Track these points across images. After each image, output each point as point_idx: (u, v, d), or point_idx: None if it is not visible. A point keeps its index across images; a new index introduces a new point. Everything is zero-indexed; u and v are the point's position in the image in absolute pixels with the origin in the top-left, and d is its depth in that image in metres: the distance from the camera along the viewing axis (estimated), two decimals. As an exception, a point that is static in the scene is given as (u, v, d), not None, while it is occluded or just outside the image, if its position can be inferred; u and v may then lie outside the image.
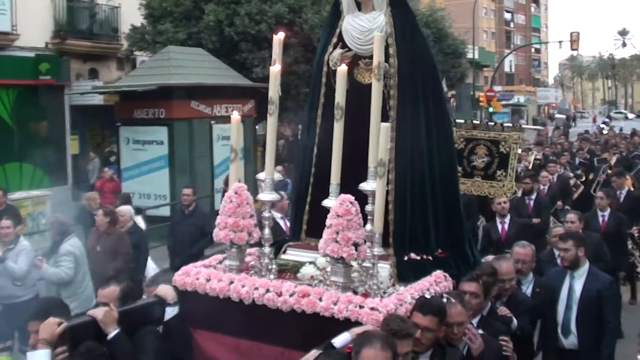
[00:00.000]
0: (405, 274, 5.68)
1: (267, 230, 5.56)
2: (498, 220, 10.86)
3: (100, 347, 4.81)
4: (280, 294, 5.14)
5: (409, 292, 5.18)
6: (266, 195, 5.55)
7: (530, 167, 17.40)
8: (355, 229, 4.98)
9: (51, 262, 9.71)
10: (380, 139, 5.17)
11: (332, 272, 5.12)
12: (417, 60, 6.11)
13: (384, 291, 5.38)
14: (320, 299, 5.02)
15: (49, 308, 4.86)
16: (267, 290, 5.20)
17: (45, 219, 15.83)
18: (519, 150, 9.23)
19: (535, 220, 12.31)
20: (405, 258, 5.83)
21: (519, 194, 12.60)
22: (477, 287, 5.76)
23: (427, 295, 5.11)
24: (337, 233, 4.98)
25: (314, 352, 4.25)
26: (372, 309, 4.86)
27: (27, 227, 14.38)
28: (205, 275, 5.46)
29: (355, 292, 5.22)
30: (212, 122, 19.52)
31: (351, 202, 5.00)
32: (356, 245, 4.99)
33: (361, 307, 4.89)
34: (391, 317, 4.65)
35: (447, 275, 5.70)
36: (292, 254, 6.16)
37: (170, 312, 5.35)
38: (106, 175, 19.16)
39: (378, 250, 5.19)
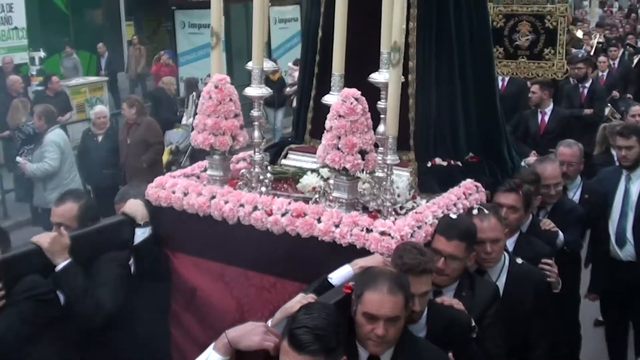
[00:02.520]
0: (429, 183, 4.64)
1: (257, 133, 4.52)
2: (539, 109, 9.57)
3: (46, 283, 3.91)
4: (270, 213, 4.15)
5: (431, 210, 4.14)
6: (255, 90, 4.48)
7: (592, 51, 15.69)
8: (362, 132, 3.93)
9: (37, 152, 9.39)
10: (395, 16, 4.02)
11: (335, 186, 4.10)
12: None
13: (401, 206, 4.38)
14: (319, 220, 4.02)
15: None
16: (255, 208, 4.21)
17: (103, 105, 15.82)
18: (581, 33, 7.96)
19: (587, 111, 10.97)
20: (429, 164, 4.77)
21: (572, 81, 11.26)
22: (517, 199, 4.72)
23: (453, 215, 4.06)
24: (339, 138, 3.93)
25: (300, 298, 3.27)
26: (383, 233, 3.86)
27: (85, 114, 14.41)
28: (183, 188, 4.48)
29: (366, 209, 4.23)
30: (269, 4, 18.30)
31: (356, 99, 3.92)
32: (363, 152, 3.94)
33: (369, 230, 3.90)
34: (406, 246, 3.65)
35: (479, 185, 4.64)
36: (293, 159, 5.14)
37: (141, 235, 4.42)
38: (162, 60, 18.93)
39: (392, 158, 4.13)
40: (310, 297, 3.25)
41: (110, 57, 20.34)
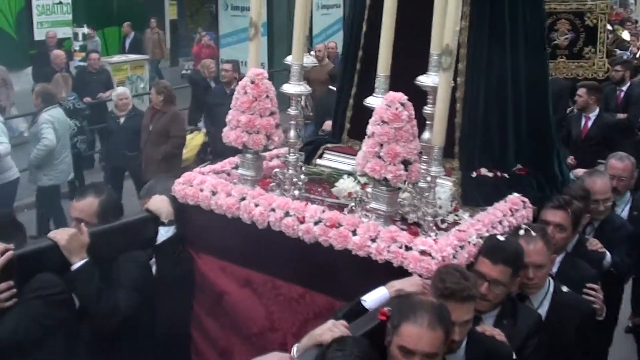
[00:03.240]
0: (472, 195, 4.35)
1: (293, 132, 4.25)
2: (583, 113, 9.16)
3: (59, 283, 3.68)
4: (302, 220, 3.89)
5: (475, 228, 3.85)
6: (293, 87, 4.20)
7: (638, 54, 14.99)
8: (407, 140, 3.64)
9: (32, 130, 9.40)
10: (448, 17, 3.72)
11: (373, 196, 3.82)
12: None
13: (442, 219, 4.10)
14: (355, 232, 3.75)
15: None
16: (287, 214, 3.95)
17: (143, 83, 16.34)
18: (627, 34, 7.53)
19: (620, 116, 10.51)
20: (474, 174, 4.48)
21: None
22: (565, 217, 4.40)
23: (500, 236, 3.76)
24: (381, 146, 3.64)
25: (331, 325, 3.00)
26: (423, 252, 3.57)
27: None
28: (211, 187, 4.22)
29: (404, 219, 3.96)
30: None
31: (402, 104, 3.63)
32: (406, 163, 3.66)
33: (408, 248, 3.61)
34: (448, 269, 3.36)
35: (526, 200, 4.34)
36: (329, 159, 4.87)
37: (164, 233, 4.18)
38: (203, 41, 18.90)
39: (437, 169, 3.84)
40: (342, 325, 2.98)
41: (137, 37, 20.09)
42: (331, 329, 2.90)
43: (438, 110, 3.78)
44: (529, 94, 4.67)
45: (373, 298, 3.38)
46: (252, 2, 4.25)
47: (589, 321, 4.09)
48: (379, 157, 3.65)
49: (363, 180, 4.06)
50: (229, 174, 4.52)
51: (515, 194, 4.34)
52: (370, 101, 3.94)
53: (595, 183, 5.08)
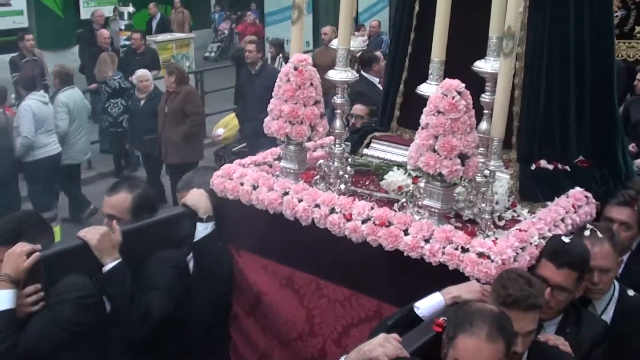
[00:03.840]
0: (531, 189, 4.04)
1: (339, 122, 3.97)
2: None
3: (90, 286, 3.46)
4: (349, 218, 3.62)
5: (536, 227, 3.54)
6: (339, 73, 3.92)
7: None
8: (464, 132, 3.34)
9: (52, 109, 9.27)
10: (511, -4, 3.40)
11: (426, 192, 3.53)
12: None
13: (500, 215, 3.81)
14: (406, 232, 3.47)
15: (19, 228, 3.45)
16: (332, 210, 3.68)
17: (189, 62, 16.03)
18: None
19: None
20: (533, 166, 4.16)
21: None
22: (631, 214, 4.07)
23: (565, 238, 3.45)
24: (436, 138, 3.35)
25: (382, 340, 2.71)
26: (481, 255, 3.28)
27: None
28: (252, 180, 3.97)
29: (459, 216, 3.67)
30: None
31: (459, 92, 3.33)
32: (464, 157, 3.36)
33: (465, 250, 3.33)
34: (511, 274, 3.07)
35: (589, 195, 4.01)
36: (377, 149, 4.58)
37: (202, 230, 3.95)
38: (248, 19, 18.76)
39: (496, 163, 3.54)
40: (395, 340, 2.71)
41: (163, 18, 19.68)
42: (382, 344, 2.63)
43: (498, 98, 3.47)
44: (594, 80, 4.33)
45: (427, 305, 3.11)
46: (295, -17, 3.97)
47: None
48: (434, 150, 3.36)
49: (414, 173, 3.77)
50: (270, 166, 4.26)
51: (578, 189, 4.02)
52: (423, 89, 3.66)
53: (662, 175, 4.73)
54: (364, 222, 3.57)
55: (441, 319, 2.94)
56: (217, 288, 4.05)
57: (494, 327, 2.73)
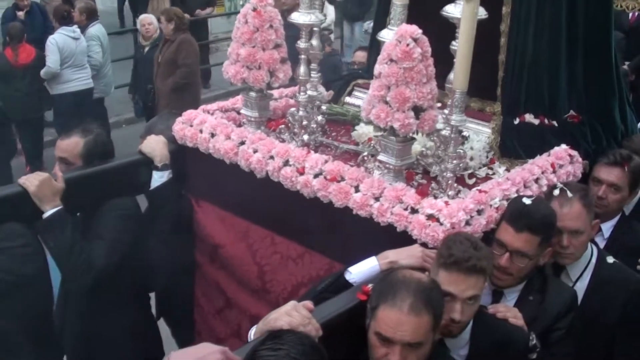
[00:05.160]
0: (512, 145, 3.74)
1: (303, 68, 3.72)
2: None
3: (23, 235, 3.33)
4: (302, 172, 3.39)
5: (501, 188, 3.25)
6: (303, 15, 3.65)
7: None
8: (419, 83, 3.06)
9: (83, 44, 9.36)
10: None
11: (382, 146, 3.27)
12: None
13: (473, 172, 3.54)
14: (357, 188, 3.23)
15: None
16: (286, 163, 3.46)
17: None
18: None
19: None
20: (517, 120, 3.85)
21: None
22: (621, 176, 3.74)
23: (527, 199, 3.15)
24: (388, 88, 3.08)
25: (291, 307, 2.48)
26: (430, 217, 3.03)
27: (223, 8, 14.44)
28: (211, 128, 3.77)
29: (426, 172, 3.43)
30: None
31: (415, 39, 3.03)
32: (418, 109, 3.09)
33: (414, 211, 3.07)
34: (457, 237, 2.82)
35: (575, 154, 3.68)
36: (359, 97, 4.30)
37: (158, 179, 3.78)
38: None
39: (458, 117, 3.24)
40: (305, 308, 2.49)
41: None
42: (289, 313, 2.42)
43: (460, 47, 3.15)
44: (588, 27, 3.95)
45: (360, 270, 2.90)
46: None
47: (638, 299, 3.45)
48: (386, 102, 3.09)
49: (368, 135, 3.52)
50: (239, 113, 4.04)
51: (563, 146, 3.70)
52: (383, 34, 3.37)
53: (668, 132, 4.35)
54: (315, 176, 3.34)
55: (369, 285, 2.71)
56: (175, 237, 3.88)
57: (419, 299, 2.49)
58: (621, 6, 5.65)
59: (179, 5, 12.28)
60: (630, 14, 7.18)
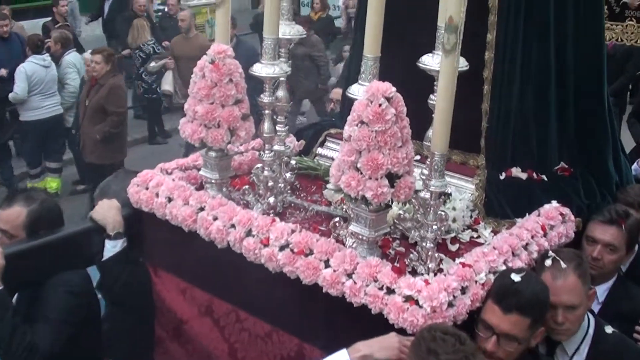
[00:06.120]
0: (499, 204, 3.43)
1: (267, 124, 3.39)
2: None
3: None
4: (266, 243, 3.05)
5: (487, 259, 2.92)
6: (265, 68, 3.31)
7: None
8: (393, 147, 2.73)
9: (59, 70, 9.56)
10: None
11: (354, 216, 2.93)
12: None
13: (456, 236, 3.21)
14: (327, 263, 2.89)
15: None
16: (249, 233, 3.11)
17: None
18: None
19: None
20: (503, 175, 3.54)
21: None
22: (617, 235, 3.43)
23: (516, 275, 2.82)
24: (359, 153, 2.75)
25: None
26: (408, 299, 2.69)
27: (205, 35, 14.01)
28: (168, 191, 3.43)
29: (404, 238, 3.10)
30: None
31: (388, 98, 2.71)
32: (393, 176, 2.76)
33: (390, 291, 2.73)
34: (434, 332, 2.46)
35: (566, 212, 3.37)
36: (332, 148, 3.99)
37: (111, 249, 3.43)
38: None
39: (438, 183, 2.91)
40: None
41: None
42: None
43: (439, 104, 2.83)
44: (579, 71, 3.66)
45: None
46: (219, -41, 3.36)
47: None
48: (357, 168, 2.76)
49: (340, 195, 3.18)
50: (199, 170, 3.69)
51: (554, 203, 3.38)
52: (353, 90, 3.03)
53: (666, 176, 4.05)
54: (281, 248, 3.00)
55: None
56: (132, 311, 3.54)
57: None
58: (607, 38, 5.40)
59: (159, 34, 12.06)
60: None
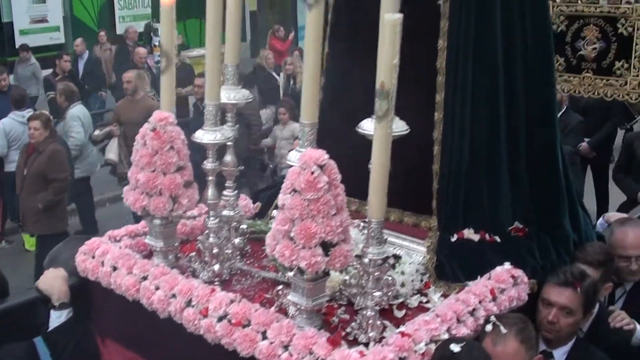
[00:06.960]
0: (450, 267, 3.36)
1: (211, 191, 3.35)
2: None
3: None
4: (205, 314, 2.99)
5: (428, 328, 2.85)
6: (208, 134, 3.28)
7: None
8: (326, 216, 2.68)
9: (59, 127, 9.60)
10: (382, 47, 2.73)
11: (292, 285, 2.87)
12: None
13: (404, 301, 3.15)
14: (265, 335, 2.82)
15: None
16: (189, 303, 3.05)
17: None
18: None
19: None
20: (454, 237, 3.47)
21: None
22: (573, 298, 3.34)
23: (455, 345, 2.74)
24: (293, 222, 2.70)
25: None
26: (343, 373, 2.61)
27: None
28: (113, 260, 3.37)
29: (350, 304, 3.04)
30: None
31: (321, 166, 2.67)
32: (327, 245, 2.71)
33: (325, 364, 2.66)
34: None
35: (519, 274, 3.29)
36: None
37: (56, 319, 3.36)
38: (276, 34, 18.11)
39: (376, 250, 2.85)
40: None
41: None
42: None
43: (374, 172, 2.79)
44: (531, 127, 3.63)
45: None
46: (163, 26, 3.36)
47: None
48: (290, 238, 2.70)
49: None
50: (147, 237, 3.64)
51: (506, 265, 3.31)
52: (291, 157, 3.00)
53: (626, 235, 3.95)
54: (219, 319, 2.93)
55: None
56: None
57: None
58: (598, 93, 5.39)
59: (158, 84, 12.03)
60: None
